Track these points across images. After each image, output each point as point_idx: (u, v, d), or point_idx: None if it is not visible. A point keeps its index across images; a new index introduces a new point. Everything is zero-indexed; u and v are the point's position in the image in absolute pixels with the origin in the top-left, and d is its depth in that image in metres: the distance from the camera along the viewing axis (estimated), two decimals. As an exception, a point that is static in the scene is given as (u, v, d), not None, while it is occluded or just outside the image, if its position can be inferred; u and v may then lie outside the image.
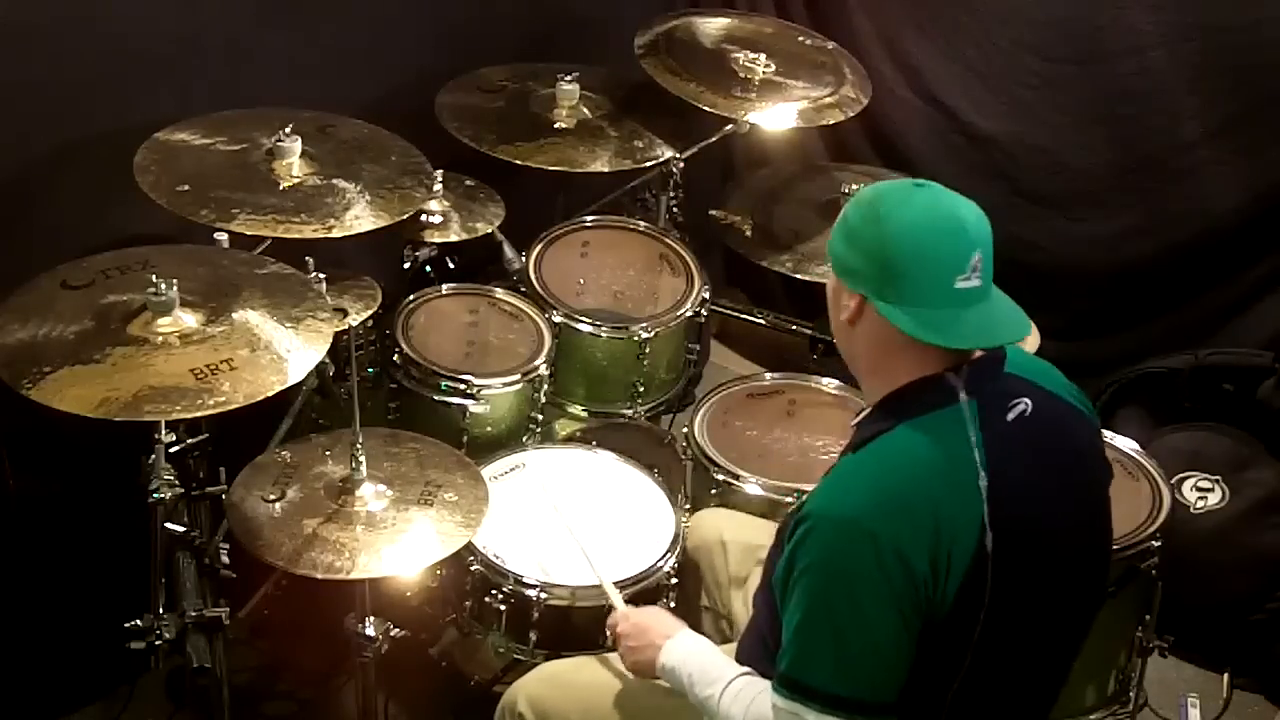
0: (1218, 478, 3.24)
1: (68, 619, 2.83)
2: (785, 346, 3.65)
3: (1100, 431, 2.07)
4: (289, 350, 2.25)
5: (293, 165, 2.69)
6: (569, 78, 3.31)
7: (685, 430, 2.90)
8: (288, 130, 2.70)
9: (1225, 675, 3.20)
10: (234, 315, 2.28)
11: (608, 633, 2.32)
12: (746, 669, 2.03)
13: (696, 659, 2.09)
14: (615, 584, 2.46)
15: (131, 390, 2.11)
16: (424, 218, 3.05)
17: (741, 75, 3.35)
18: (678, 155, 3.29)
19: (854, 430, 1.97)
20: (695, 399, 3.12)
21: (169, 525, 2.47)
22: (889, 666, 1.81)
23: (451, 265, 3.22)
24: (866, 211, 1.87)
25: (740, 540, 2.56)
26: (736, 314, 3.77)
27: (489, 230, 3.12)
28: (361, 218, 2.63)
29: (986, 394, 1.87)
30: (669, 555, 2.60)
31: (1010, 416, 1.88)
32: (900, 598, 1.77)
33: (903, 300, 1.83)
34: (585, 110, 3.33)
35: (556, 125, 3.28)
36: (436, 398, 2.87)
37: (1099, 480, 2.03)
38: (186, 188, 2.58)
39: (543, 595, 2.52)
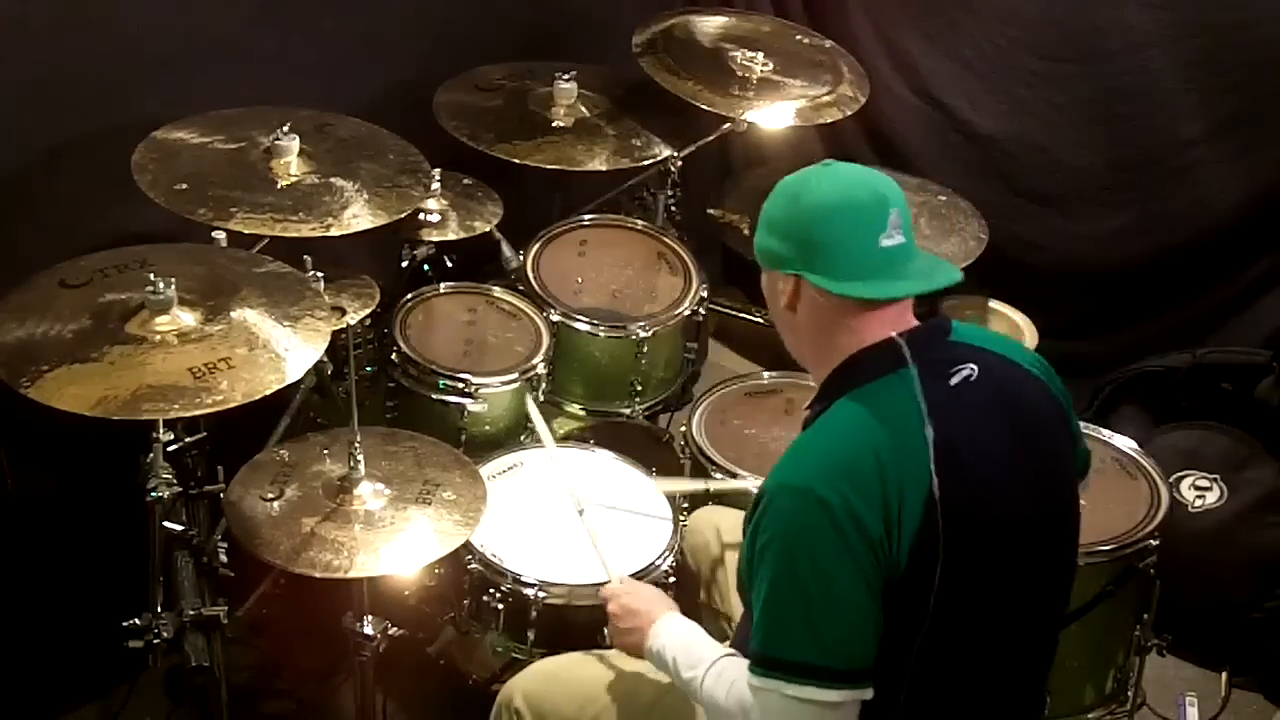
0: (1216, 476, 3.23)
1: (66, 617, 2.82)
2: (783, 345, 3.63)
3: (1051, 392, 2.01)
4: (287, 349, 2.24)
5: (290, 164, 2.69)
6: (567, 76, 3.31)
7: (683, 429, 2.90)
8: (285, 129, 2.70)
9: (1224, 674, 3.20)
10: (232, 314, 2.28)
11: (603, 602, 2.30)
12: (730, 650, 2.03)
13: (681, 641, 2.09)
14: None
15: (129, 389, 2.11)
16: (422, 216, 3.05)
17: (739, 74, 3.35)
18: (675, 154, 3.29)
19: (806, 414, 2.01)
20: (693, 398, 3.12)
21: (167, 524, 2.46)
22: (858, 631, 1.82)
23: (449, 264, 3.21)
24: (780, 197, 1.96)
25: (738, 537, 2.56)
26: (734, 313, 3.77)
27: (487, 229, 3.12)
28: (359, 216, 2.63)
29: (926, 360, 1.90)
30: (667, 554, 2.60)
31: (953, 381, 1.89)
32: (859, 559, 1.79)
33: (834, 268, 1.88)
34: (583, 109, 3.33)
35: (554, 124, 3.28)
36: (434, 396, 2.87)
37: (1056, 447, 2.01)
38: (184, 186, 2.58)
39: (541, 594, 2.51)
